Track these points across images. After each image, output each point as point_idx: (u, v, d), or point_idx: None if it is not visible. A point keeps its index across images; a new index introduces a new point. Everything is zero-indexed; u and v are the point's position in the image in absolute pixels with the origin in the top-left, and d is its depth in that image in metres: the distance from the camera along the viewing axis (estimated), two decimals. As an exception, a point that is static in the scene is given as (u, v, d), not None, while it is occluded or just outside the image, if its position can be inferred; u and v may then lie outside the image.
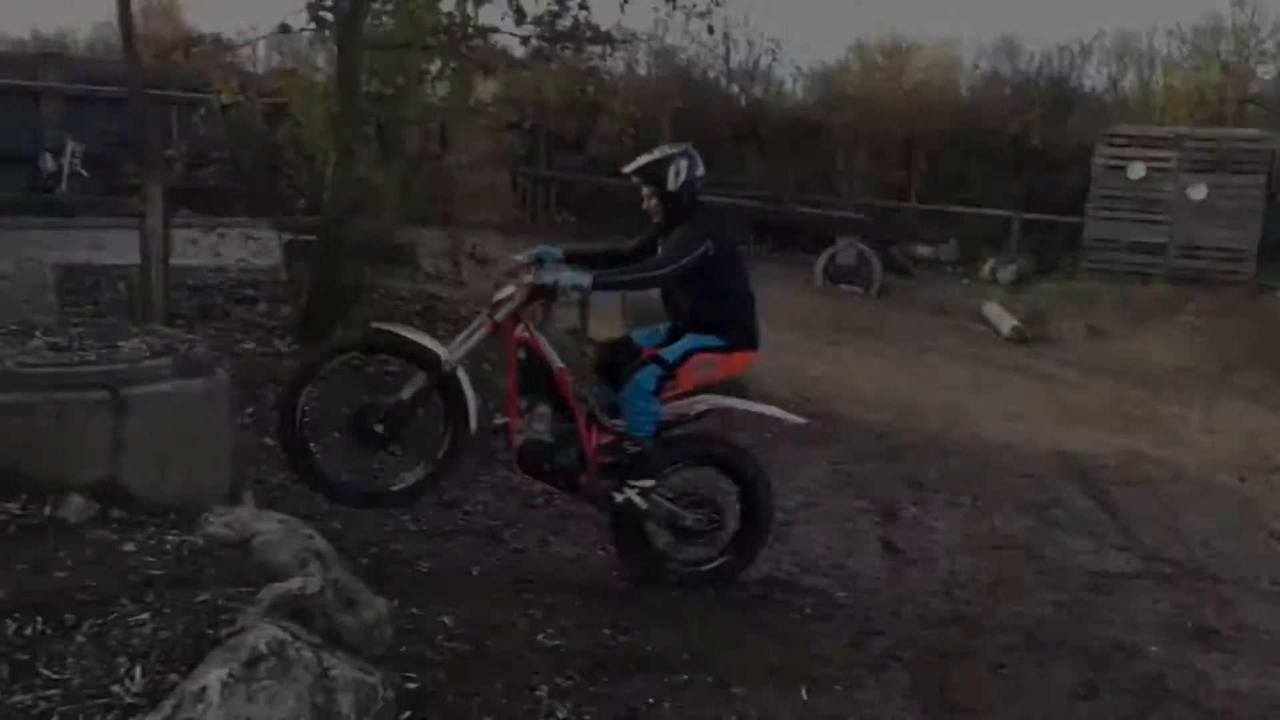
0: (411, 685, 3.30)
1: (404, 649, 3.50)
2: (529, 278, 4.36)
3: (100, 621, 2.84)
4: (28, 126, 14.94)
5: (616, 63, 20.98)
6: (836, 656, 4.03)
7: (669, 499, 4.62)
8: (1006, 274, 16.59)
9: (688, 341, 4.52)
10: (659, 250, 4.58)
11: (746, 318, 4.64)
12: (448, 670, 3.46)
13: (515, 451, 4.45)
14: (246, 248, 8.42)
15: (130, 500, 3.57)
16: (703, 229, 4.48)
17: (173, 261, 7.77)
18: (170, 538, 3.36)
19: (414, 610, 3.85)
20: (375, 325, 4.74)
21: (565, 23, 7.78)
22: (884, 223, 18.36)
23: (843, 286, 16.07)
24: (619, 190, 20.54)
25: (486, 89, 10.61)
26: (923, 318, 15.00)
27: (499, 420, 4.56)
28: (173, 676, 2.63)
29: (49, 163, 13.77)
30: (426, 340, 4.40)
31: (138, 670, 2.67)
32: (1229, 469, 8.29)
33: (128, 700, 2.56)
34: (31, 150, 14.32)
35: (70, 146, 13.85)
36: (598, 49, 9.62)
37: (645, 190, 4.57)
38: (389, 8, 7.69)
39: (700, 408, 4.63)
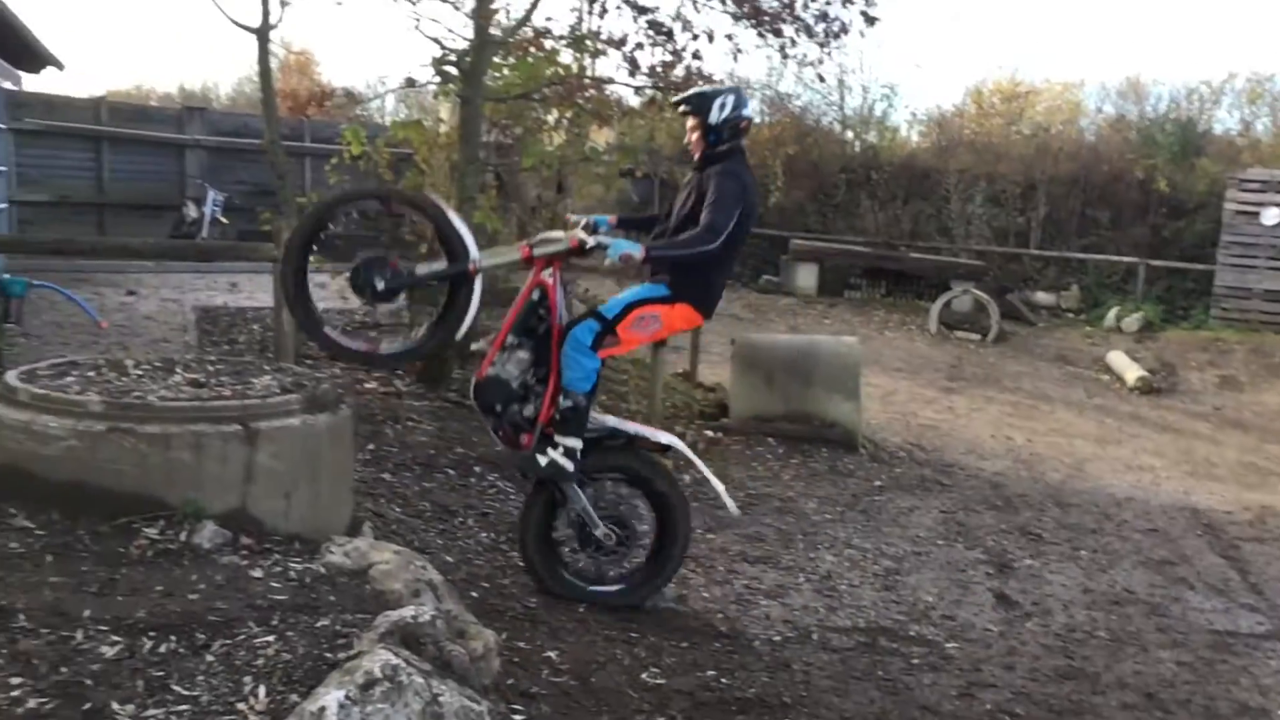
0: (517, 717, 3.38)
1: (510, 681, 3.59)
2: (580, 233, 4.38)
3: (229, 642, 3.00)
4: (173, 177, 15.90)
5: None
6: (945, 707, 3.96)
7: (589, 499, 4.50)
8: (1132, 322, 16.08)
9: (630, 293, 4.44)
10: (697, 199, 4.46)
11: (709, 276, 4.45)
12: (552, 704, 3.53)
13: (478, 380, 4.42)
14: (370, 291, 8.73)
15: (258, 528, 3.75)
16: (742, 179, 4.42)
17: (302, 304, 8.13)
18: (294, 565, 3.52)
19: (520, 644, 3.94)
20: (433, 198, 4.73)
21: (678, 73, 7.93)
22: (1002, 269, 18.06)
23: (958, 333, 15.81)
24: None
25: (601, 137, 10.89)
26: (1043, 366, 14.64)
27: (478, 345, 4.52)
28: (293, 696, 2.75)
29: (191, 210, 14.57)
30: (467, 235, 4.38)
31: (261, 690, 2.80)
32: (1372, 528, 7.86)
33: (252, 718, 2.69)
34: (176, 199, 15.20)
35: (211, 195, 14.65)
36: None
37: (690, 122, 4.53)
38: (509, 61, 7.98)
39: (664, 440, 4.60)
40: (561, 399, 4.37)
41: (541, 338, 4.43)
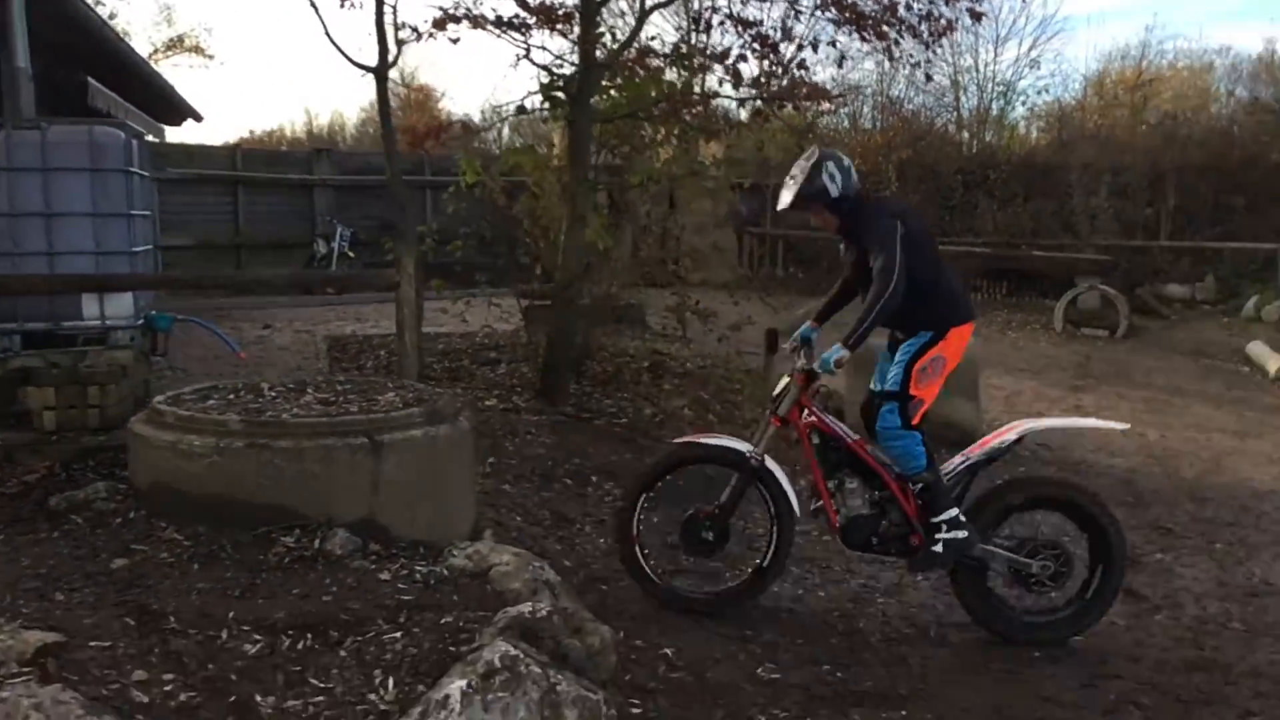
0: (635, 710, 3.49)
1: (628, 677, 3.70)
2: (799, 364, 4.46)
3: (359, 639, 3.19)
4: (304, 216, 16.68)
5: (840, 118, 21.13)
6: (1067, 698, 3.90)
7: (1007, 547, 4.48)
8: (1273, 310, 15.34)
9: (900, 358, 4.43)
10: (863, 257, 4.42)
11: (940, 292, 4.38)
12: (669, 698, 3.63)
13: (839, 532, 4.50)
14: (490, 314, 9.04)
15: (386, 535, 3.97)
16: (884, 215, 4.35)
17: (425, 329, 8.46)
18: (420, 568, 3.71)
19: (638, 642, 4.05)
20: (680, 440, 4.90)
21: (781, 83, 7.99)
22: (1130, 263, 17.45)
23: (1085, 331, 15.36)
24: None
25: (710, 152, 11.00)
26: (1177, 361, 14.09)
27: (815, 504, 4.58)
28: (420, 687, 2.92)
29: (321, 247, 15.24)
30: (729, 441, 4.56)
31: (390, 681, 2.98)
32: None
33: (382, 707, 2.86)
34: (307, 237, 15.94)
35: (339, 231, 15.31)
36: (817, 104, 9.77)
37: (819, 215, 4.44)
38: (615, 82, 8.16)
39: (1013, 435, 4.52)
40: (912, 485, 4.41)
41: (852, 461, 4.51)
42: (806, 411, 4.48)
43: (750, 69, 8.43)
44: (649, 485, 4.59)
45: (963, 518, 4.38)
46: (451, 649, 3.12)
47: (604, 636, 3.50)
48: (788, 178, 4.49)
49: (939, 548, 4.35)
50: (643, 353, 8.92)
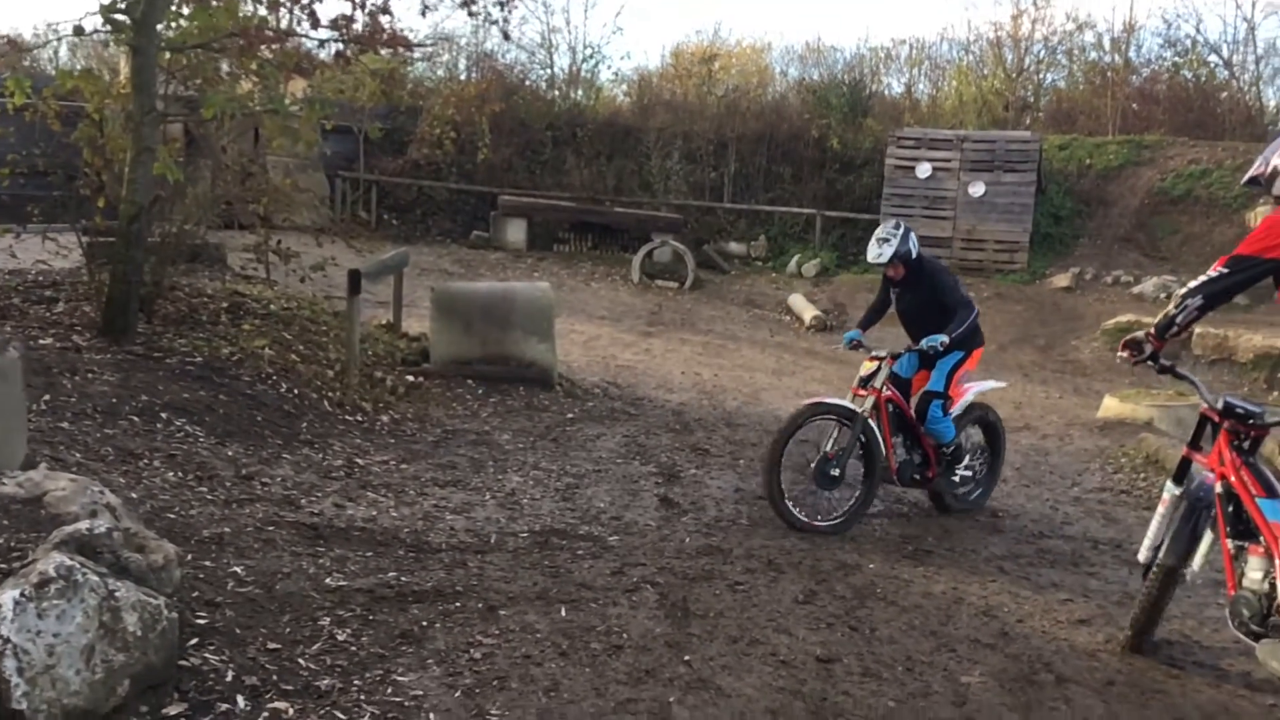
0: (201, 621, 3.64)
1: (195, 594, 3.83)
2: (883, 352, 6.10)
3: (-108, 566, 3.09)
4: None
5: (436, 66, 21.29)
6: (598, 583, 4.54)
7: (967, 460, 6.49)
8: (810, 268, 17.68)
9: (942, 370, 6.21)
10: (894, 298, 6.40)
11: (976, 326, 6.20)
12: (236, 609, 3.81)
13: (895, 472, 6.15)
14: (45, 250, 8.38)
15: (-79, 468, 3.77)
16: (945, 271, 6.37)
17: (-35, 264, 7.71)
18: (-38, 498, 3.59)
19: (206, 563, 4.17)
20: (811, 401, 6.21)
21: (358, 27, 8.07)
22: (698, 221, 19.27)
23: (658, 282, 16.82)
24: (439, 193, 20.76)
25: (295, 89, 10.78)
26: (733, 309, 15.88)
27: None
28: (-34, 604, 2.91)
29: None
30: (847, 403, 5.98)
31: (-69, 603, 2.93)
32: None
33: (-76, 627, 2.83)
34: None
35: None
36: (409, 53, 9.93)
37: (899, 269, 6.17)
38: (185, 10, 7.83)
39: (970, 395, 6.42)
40: (945, 449, 6.31)
41: (905, 425, 6.25)
42: (887, 389, 6.09)
43: (330, 10, 8.42)
44: (786, 442, 5.80)
45: (968, 466, 6.51)
46: (2, 567, 3.11)
47: (168, 553, 3.61)
48: (879, 237, 6.16)
49: (957, 478, 6.46)
50: (222, 293, 8.70)
